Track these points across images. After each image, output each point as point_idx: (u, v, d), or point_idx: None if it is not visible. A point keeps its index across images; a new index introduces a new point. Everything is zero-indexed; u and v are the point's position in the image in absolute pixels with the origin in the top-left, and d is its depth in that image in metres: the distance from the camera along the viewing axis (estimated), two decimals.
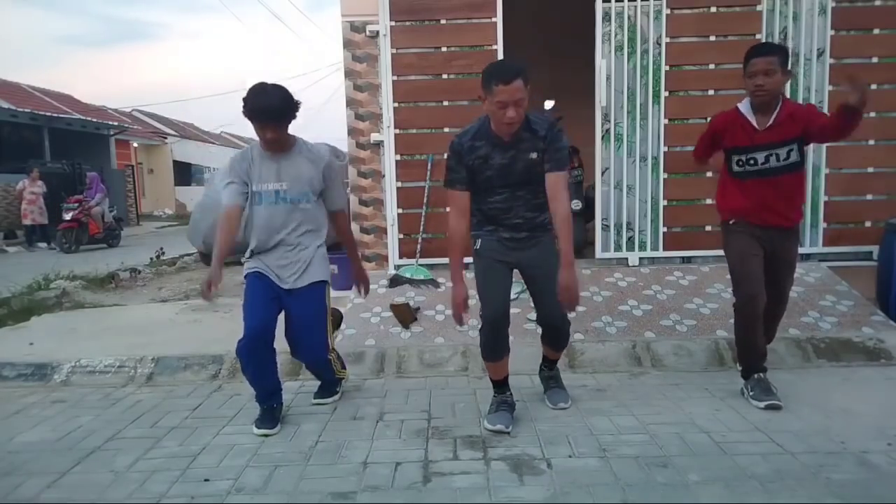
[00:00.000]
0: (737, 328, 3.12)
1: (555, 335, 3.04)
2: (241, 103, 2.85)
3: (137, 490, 2.39)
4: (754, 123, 3.02)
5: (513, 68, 2.63)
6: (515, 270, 2.99)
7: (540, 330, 3.08)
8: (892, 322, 4.09)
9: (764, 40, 4.87)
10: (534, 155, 2.75)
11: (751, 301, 3.00)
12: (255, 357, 2.90)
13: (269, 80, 2.91)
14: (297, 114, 2.91)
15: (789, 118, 2.98)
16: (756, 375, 3.09)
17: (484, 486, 2.34)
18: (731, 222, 3.20)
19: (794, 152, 3.01)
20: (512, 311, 2.96)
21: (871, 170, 4.98)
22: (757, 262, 3.05)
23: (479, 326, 2.91)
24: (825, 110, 4.90)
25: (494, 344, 2.90)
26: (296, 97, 2.90)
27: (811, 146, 4.68)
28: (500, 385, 3.01)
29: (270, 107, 2.81)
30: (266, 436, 2.86)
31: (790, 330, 3.92)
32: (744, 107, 3.09)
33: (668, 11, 4.91)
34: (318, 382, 3.34)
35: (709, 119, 4.87)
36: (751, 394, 3.05)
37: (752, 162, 3.05)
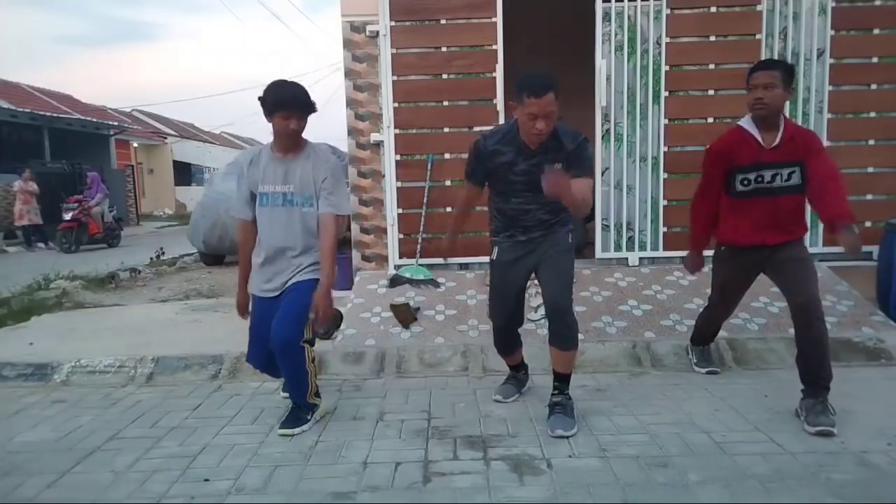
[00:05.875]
0: (700, 319, 3.63)
1: (558, 324, 2.86)
2: (261, 101, 2.85)
3: (137, 490, 2.39)
4: (760, 141, 2.97)
5: (545, 82, 2.64)
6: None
7: (546, 329, 3.05)
8: (892, 322, 4.09)
9: (764, 40, 4.88)
10: (557, 165, 2.80)
11: (715, 320, 3.57)
12: (267, 370, 3.17)
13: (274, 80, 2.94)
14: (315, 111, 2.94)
15: (791, 140, 2.96)
16: (700, 347, 3.70)
17: (484, 486, 2.34)
18: (723, 248, 3.26)
19: (796, 175, 2.97)
20: None
21: (871, 170, 4.98)
22: (737, 292, 3.37)
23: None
24: (825, 110, 4.92)
25: (503, 344, 3.23)
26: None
27: None
28: (514, 367, 3.36)
29: (297, 95, 2.85)
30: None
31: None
32: (747, 123, 3.03)
33: (668, 11, 4.91)
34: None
35: (708, 119, 4.98)
36: (694, 361, 3.67)
37: (759, 179, 2.98)
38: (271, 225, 2.96)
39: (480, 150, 2.88)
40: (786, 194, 2.99)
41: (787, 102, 4.84)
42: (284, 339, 2.84)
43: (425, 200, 5.08)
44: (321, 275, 2.90)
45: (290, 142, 2.92)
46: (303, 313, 2.90)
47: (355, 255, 5.44)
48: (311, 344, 2.97)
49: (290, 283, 2.96)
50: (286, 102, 2.83)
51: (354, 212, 5.44)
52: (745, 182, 3.03)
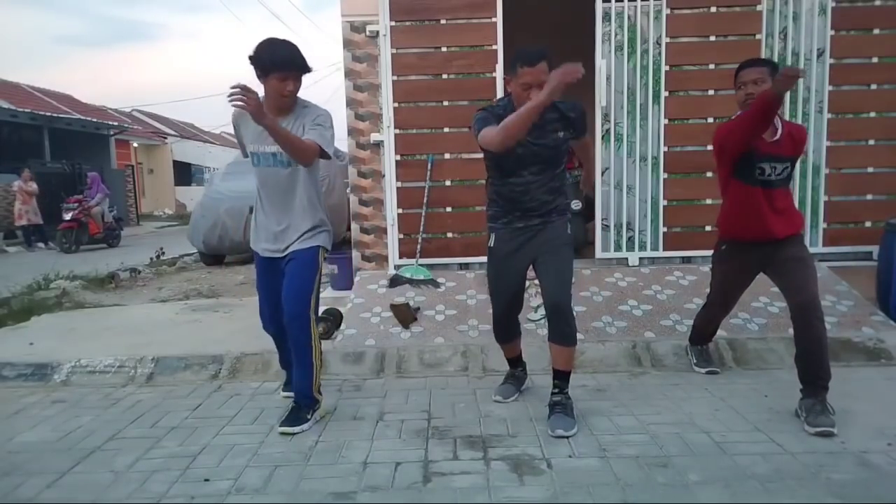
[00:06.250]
0: (698, 318, 3.67)
1: (558, 319, 2.84)
2: (253, 61, 2.73)
3: (137, 490, 2.39)
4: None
5: (537, 51, 2.70)
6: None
7: (545, 329, 3.05)
8: (892, 322, 4.09)
9: (764, 40, 4.88)
10: (561, 134, 2.84)
11: (713, 320, 3.60)
12: (277, 338, 3.23)
13: None
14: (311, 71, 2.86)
15: (789, 136, 3.01)
16: (699, 347, 3.70)
17: (484, 486, 2.34)
18: (724, 247, 3.30)
19: (788, 169, 3.05)
20: None
21: (871, 170, 4.98)
22: (736, 291, 3.41)
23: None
24: (825, 110, 4.93)
25: (502, 332, 3.23)
26: None
27: (810, 146, 4.78)
28: (513, 362, 3.36)
29: (294, 55, 2.74)
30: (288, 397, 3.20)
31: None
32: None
33: (668, 11, 4.91)
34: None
35: (708, 119, 4.98)
36: (694, 361, 3.67)
37: (759, 171, 3.02)
38: (266, 185, 2.97)
39: (493, 110, 2.84)
40: (781, 187, 3.07)
41: (788, 101, 4.89)
42: (293, 313, 2.90)
43: (425, 200, 5.08)
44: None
45: (284, 103, 2.85)
46: (308, 285, 2.93)
47: (355, 255, 5.43)
48: (317, 314, 3.00)
49: (290, 249, 2.96)
50: (284, 63, 2.72)
51: (354, 212, 5.45)
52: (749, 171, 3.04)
